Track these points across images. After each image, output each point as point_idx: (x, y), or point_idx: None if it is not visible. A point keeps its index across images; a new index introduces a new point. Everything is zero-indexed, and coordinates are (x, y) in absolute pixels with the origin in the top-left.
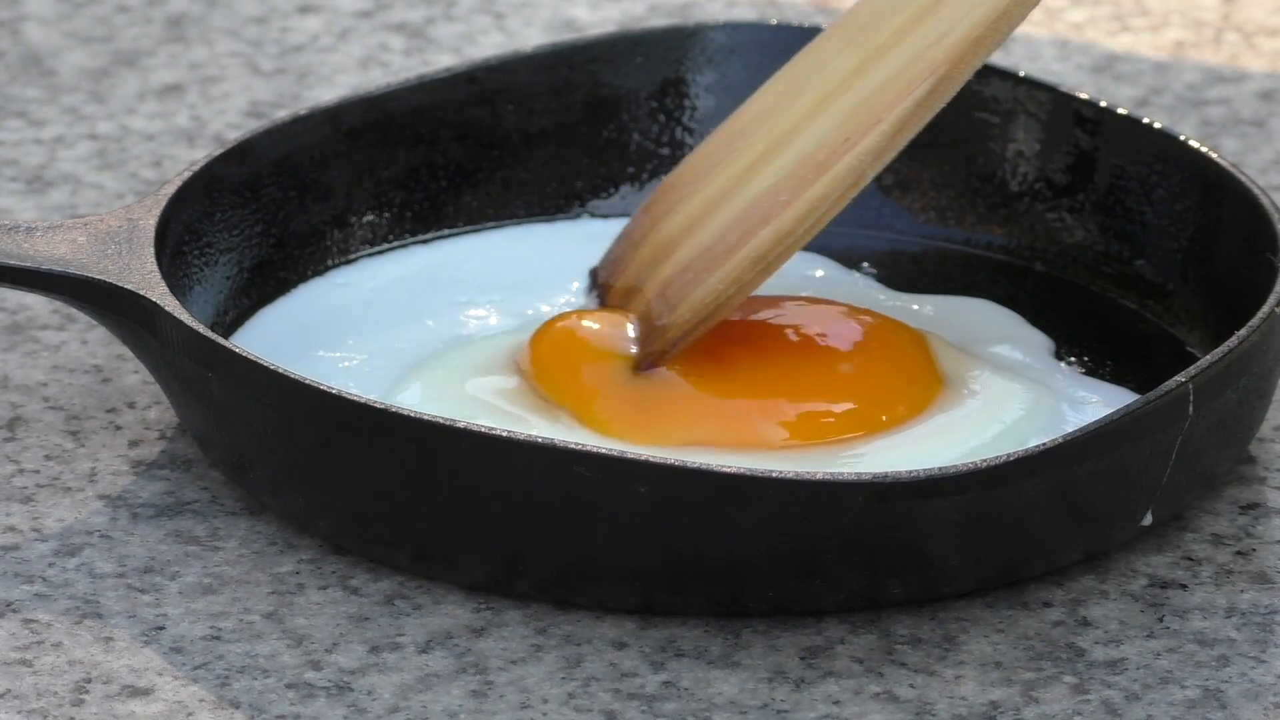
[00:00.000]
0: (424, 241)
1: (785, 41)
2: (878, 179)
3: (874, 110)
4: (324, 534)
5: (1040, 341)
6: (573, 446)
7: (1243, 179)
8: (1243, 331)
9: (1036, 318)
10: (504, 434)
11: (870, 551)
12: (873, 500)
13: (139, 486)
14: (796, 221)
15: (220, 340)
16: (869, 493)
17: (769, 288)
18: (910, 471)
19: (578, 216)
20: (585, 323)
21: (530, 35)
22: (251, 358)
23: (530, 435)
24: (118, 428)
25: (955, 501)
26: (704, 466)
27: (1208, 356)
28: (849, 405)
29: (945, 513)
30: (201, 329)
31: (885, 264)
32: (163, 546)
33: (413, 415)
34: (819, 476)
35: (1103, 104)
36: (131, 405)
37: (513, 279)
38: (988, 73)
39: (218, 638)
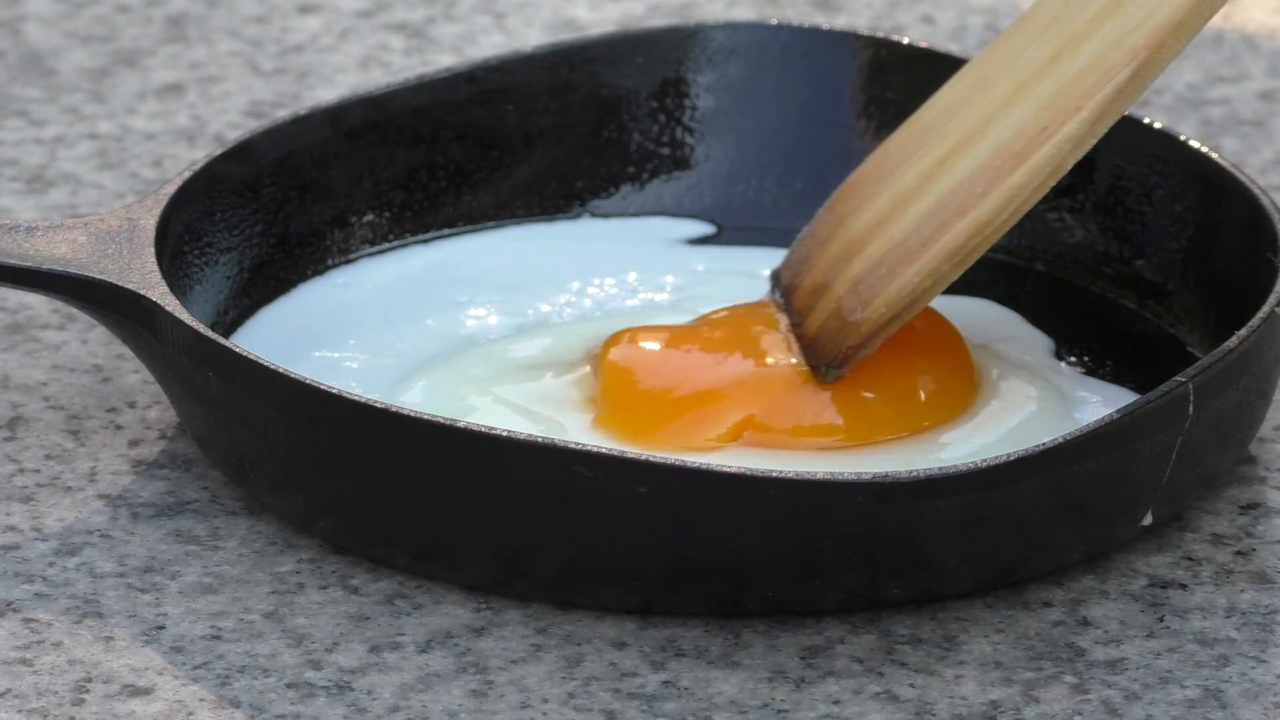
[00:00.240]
0: (424, 241)
1: (785, 41)
2: None
3: (1073, 98)
4: (324, 534)
5: (1040, 341)
6: (573, 446)
7: (1243, 179)
8: (1243, 331)
9: (1036, 318)
10: (504, 434)
11: (870, 551)
12: (873, 501)
13: (139, 486)
14: (994, 212)
15: (220, 340)
16: (869, 493)
17: (766, 289)
18: (910, 472)
19: (578, 216)
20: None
21: (530, 35)
22: (252, 358)
23: (530, 435)
24: (118, 427)
25: (955, 501)
26: (704, 466)
27: (1208, 356)
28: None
29: (945, 513)
30: (202, 329)
31: None
32: (163, 546)
33: (413, 415)
34: (819, 476)
35: None
36: (132, 405)
37: (513, 279)
38: None
39: (218, 637)
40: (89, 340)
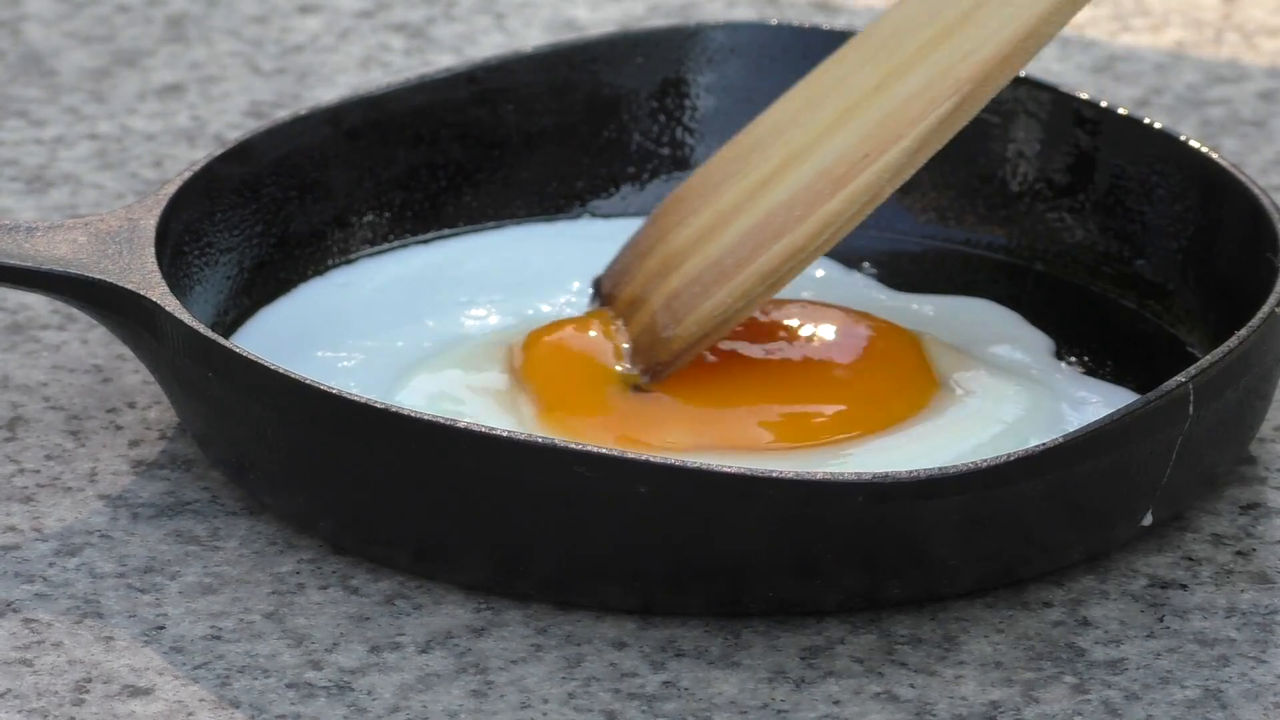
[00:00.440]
0: (424, 241)
1: (785, 41)
2: None
3: (896, 126)
4: (324, 534)
5: (1040, 342)
6: (573, 446)
7: (1243, 179)
8: (1243, 331)
9: (1037, 318)
10: (504, 434)
11: (870, 551)
12: (873, 500)
13: (139, 486)
14: (810, 238)
15: (220, 340)
16: (869, 493)
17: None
18: (910, 471)
19: (578, 216)
20: (580, 335)
21: (530, 35)
22: (252, 358)
23: (530, 435)
24: (118, 427)
25: (955, 501)
26: (704, 466)
27: (1208, 356)
28: (841, 407)
29: (945, 513)
30: (202, 329)
31: (885, 264)
32: (163, 546)
33: (413, 415)
34: (819, 476)
35: (1103, 104)
36: (132, 405)
37: (513, 279)
38: None
39: (218, 637)
40: (89, 340)
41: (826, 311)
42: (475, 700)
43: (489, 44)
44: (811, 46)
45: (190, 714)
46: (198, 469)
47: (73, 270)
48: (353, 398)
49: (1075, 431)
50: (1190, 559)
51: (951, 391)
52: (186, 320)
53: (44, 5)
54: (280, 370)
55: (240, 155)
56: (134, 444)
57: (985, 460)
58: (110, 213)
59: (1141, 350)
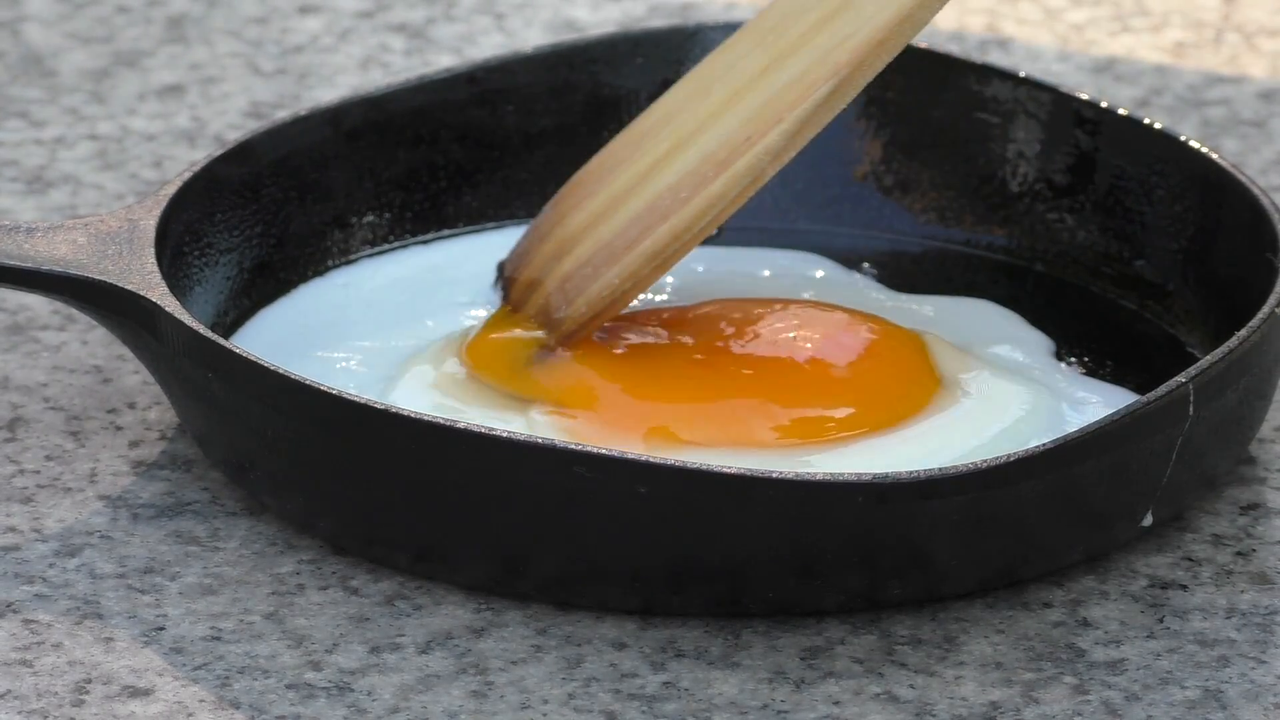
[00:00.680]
0: (424, 242)
1: None
2: (878, 180)
3: (776, 110)
4: (324, 534)
5: (1040, 342)
6: (573, 447)
7: (1243, 179)
8: (1243, 332)
9: (1037, 318)
10: (504, 434)
11: (870, 552)
12: (873, 501)
13: (139, 487)
14: (694, 219)
15: (220, 341)
16: (869, 493)
17: (766, 290)
18: (910, 472)
19: None
20: (507, 335)
21: (530, 36)
22: (252, 358)
23: (530, 435)
24: (118, 428)
25: (955, 502)
26: (704, 467)
27: (1208, 357)
28: (842, 407)
29: (945, 513)
30: (202, 329)
31: (885, 264)
32: (163, 547)
33: (413, 415)
34: (819, 477)
35: (1103, 104)
36: (132, 406)
37: None
38: (988, 73)
39: (218, 638)
40: (89, 341)
41: (829, 311)
42: (475, 701)
43: (489, 44)
44: None
45: (190, 715)
46: (198, 469)
47: (73, 271)
48: (353, 398)
49: (1075, 432)
50: (1190, 559)
51: (953, 391)
52: (186, 321)
53: (44, 6)
54: (280, 371)
55: (240, 156)
56: (134, 444)
57: (985, 460)
58: (110, 213)
59: (1141, 350)
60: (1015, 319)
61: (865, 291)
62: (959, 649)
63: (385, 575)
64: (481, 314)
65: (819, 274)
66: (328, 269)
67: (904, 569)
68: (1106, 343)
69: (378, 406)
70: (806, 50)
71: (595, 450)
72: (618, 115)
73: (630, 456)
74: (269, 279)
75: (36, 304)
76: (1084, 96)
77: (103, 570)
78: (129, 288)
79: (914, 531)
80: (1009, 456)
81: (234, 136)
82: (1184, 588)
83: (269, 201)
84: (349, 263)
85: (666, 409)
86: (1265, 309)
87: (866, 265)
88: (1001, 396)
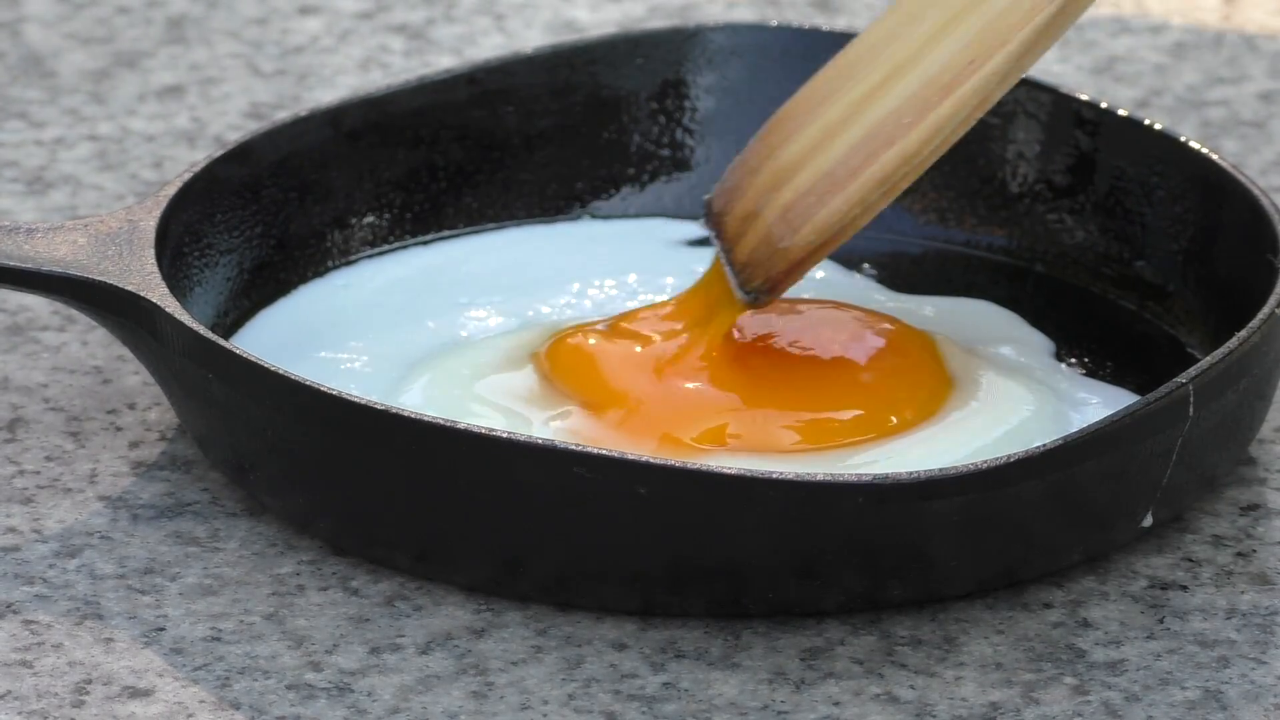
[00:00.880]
0: (424, 243)
1: (785, 43)
2: None
3: (1000, 32)
4: (324, 535)
5: (1041, 343)
6: (573, 447)
7: (1243, 180)
8: (1243, 333)
9: (1037, 319)
10: (504, 434)
11: (870, 553)
12: (872, 502)
13: (139, 488)
14: (922, 143)
15: (220, 341)
16: (869, 494)
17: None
18: (910, 473)
19: (578, 218)
20: (606, 342)
21: (530, 36)
22: (252, 359)
23: (530, 436)
24: (118, 429)
25: (955, 503)
26: (704, 467)
27: (1208, 357)
28: (859, 410)
29: (945, 514)
30: (202, 330)
31: (885, 265)
32: (163, 548)
33: (413, 416)
34: (819, 478)
35: (1103, 105)
36: (132, 406)
37: (513, 280)
38: None
39: (218, 639)
40: (89, 342)
41: (847, 313)
42: (475, 701)
43: (489, 45)
44: (811, 48)
45: (190, 715)
46: (198, 470)
47: (72, 272)
48: (353, 399)
49: (1075, 432)
50: (1190, 560)
51: (962, 393)
52: (186, 321)
53: (44, 6)
54: (280, 371)
55: (240, 157)
56: (134, 445)
57: (985, 461)
58: (110, 214)
59: (1142, 351)
60: (1015, 320)
61: (865, 292)
62: (959, 650)
63: (385, 576)
64: (481, 314)
65: (819, 275)
66: (328, 270)
67: (904, 570)
68: (1107, 343)
69: (378, 407)
70: None
71: (595, 451)
72: (618, 116)
73: (630, 457)
74: (269, 280)
75: (36, 304)
76: (1084, 97)
77: (103, 571)
78: (129, 288)
79: (914, 532)
80: (1009, 457)
81: (234, 137)
82: (1184, 588)
83: (269, 202)
84: (349, 263)
85: (708, 412)
86: (1265, 310)
87: (867, 266)
88: (1007, 398)
